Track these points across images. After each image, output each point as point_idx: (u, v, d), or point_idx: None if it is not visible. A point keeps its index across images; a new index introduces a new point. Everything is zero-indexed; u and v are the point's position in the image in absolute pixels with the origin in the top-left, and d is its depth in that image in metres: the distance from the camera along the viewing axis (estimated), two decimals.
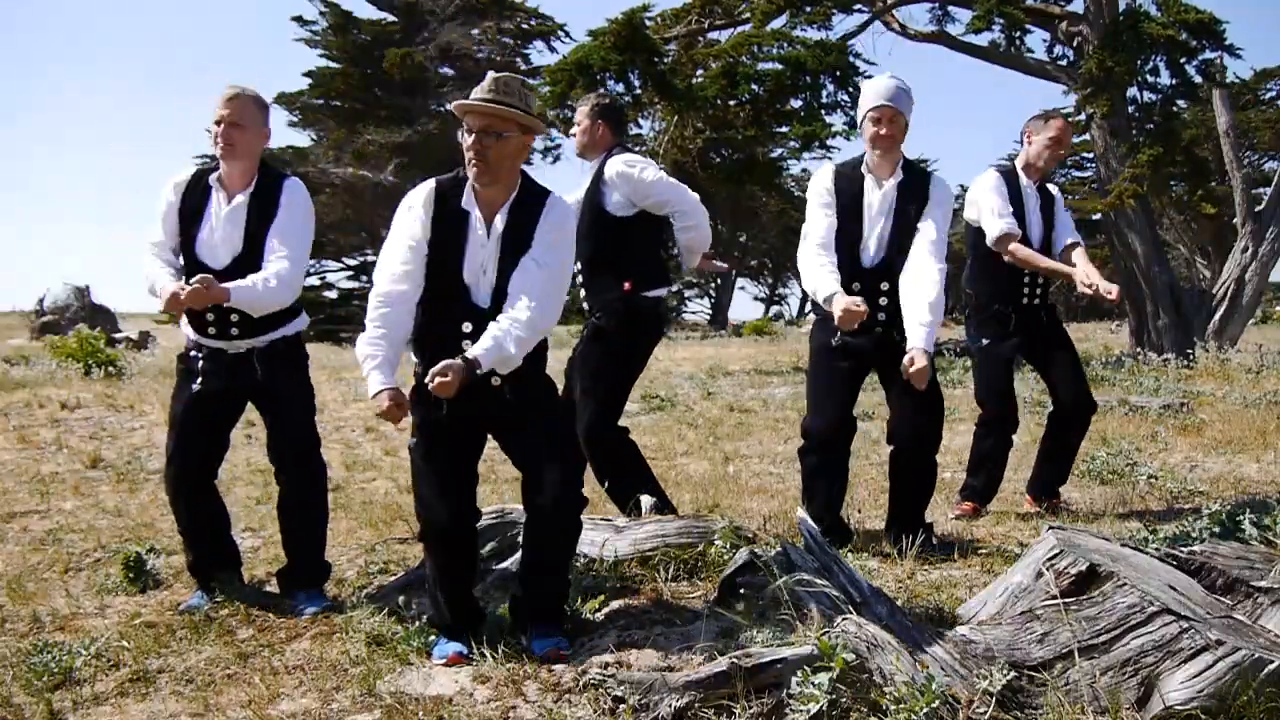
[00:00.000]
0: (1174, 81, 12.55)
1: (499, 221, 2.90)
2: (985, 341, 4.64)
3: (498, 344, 2.76)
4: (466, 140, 2.85)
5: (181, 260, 3.48)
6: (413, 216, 2.93)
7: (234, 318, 3.45)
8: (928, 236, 3.78)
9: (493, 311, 2.88)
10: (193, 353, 3.53)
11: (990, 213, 4.49)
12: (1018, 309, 4.59)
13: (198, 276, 3.27)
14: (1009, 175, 4.62)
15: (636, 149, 5.06)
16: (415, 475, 2.98)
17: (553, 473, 2.89)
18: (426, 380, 2.72)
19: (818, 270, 3.76)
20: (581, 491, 2.97)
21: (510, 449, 3.05)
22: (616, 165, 4.03)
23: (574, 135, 4.26)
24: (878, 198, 3.83)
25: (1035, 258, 4.47)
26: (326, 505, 3.72)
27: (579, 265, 4.09)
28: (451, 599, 3.00)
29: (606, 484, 4.11)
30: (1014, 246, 4.45)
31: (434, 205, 2.93)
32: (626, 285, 4.03)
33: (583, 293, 4.18)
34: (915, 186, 3.85)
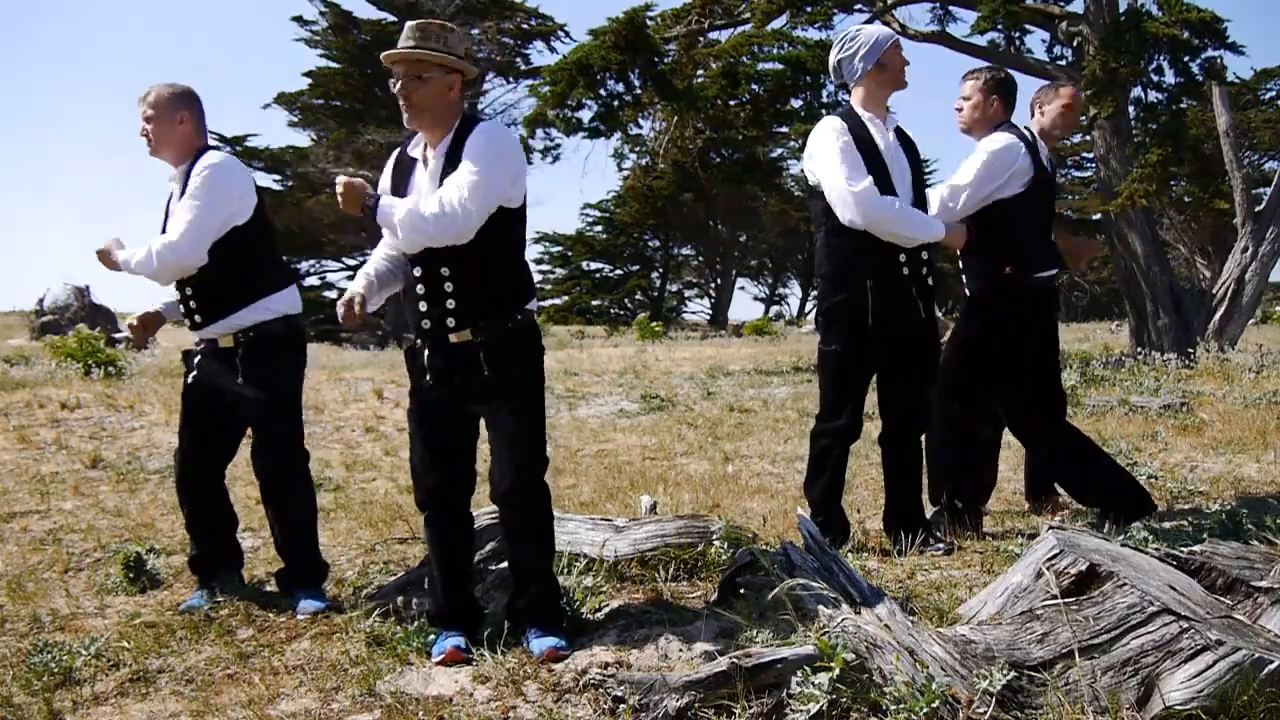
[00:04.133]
0: (1178, 81, 12.54)
1: (434, 160, 2.97)
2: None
3: (403, 209, 2.86)
4: (395, 87, 2.96)
5: None
6: (384, 174, 3.15)
7: (192, 304, 3.53)
8: (939, 189, 4.04)
9: (431, 249, 2.91)
10: (191, 346, 3.65)
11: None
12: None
13: (110, 243, 3.59)
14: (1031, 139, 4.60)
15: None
16: (410, 444, 3.10)
17: (506, 467, 2.93)
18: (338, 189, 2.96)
19: (908, 212, 3.71)
20: (536, 485, 2.96)
21: (487, 429, 3.06)
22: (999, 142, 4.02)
23: (957, 109, 4.19)
24: (888, 142, 3.82)
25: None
26: (310, 504, 3.67)
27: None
28: (448, 584, 3.03)
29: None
30: None
31: (393, 161, 3.12)
32: (1009, 269, 3.99)
33: (963, 278, 4.15)
34: (900, 130, 3.94)
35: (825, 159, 3.75)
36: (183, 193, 3.48)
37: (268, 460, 3.56)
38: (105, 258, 3.59)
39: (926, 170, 4.04)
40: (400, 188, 3.04)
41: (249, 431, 3.69)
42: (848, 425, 3.91)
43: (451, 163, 2.91)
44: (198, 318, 3.54)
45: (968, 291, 4.14)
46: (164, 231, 3.51)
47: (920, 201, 3.87)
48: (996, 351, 4.07)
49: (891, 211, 3.68)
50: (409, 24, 3.00)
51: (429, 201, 2.85)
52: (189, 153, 3.53)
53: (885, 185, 3.73)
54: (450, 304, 2.91)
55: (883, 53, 3.80)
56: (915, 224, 3.73)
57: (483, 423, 3.07)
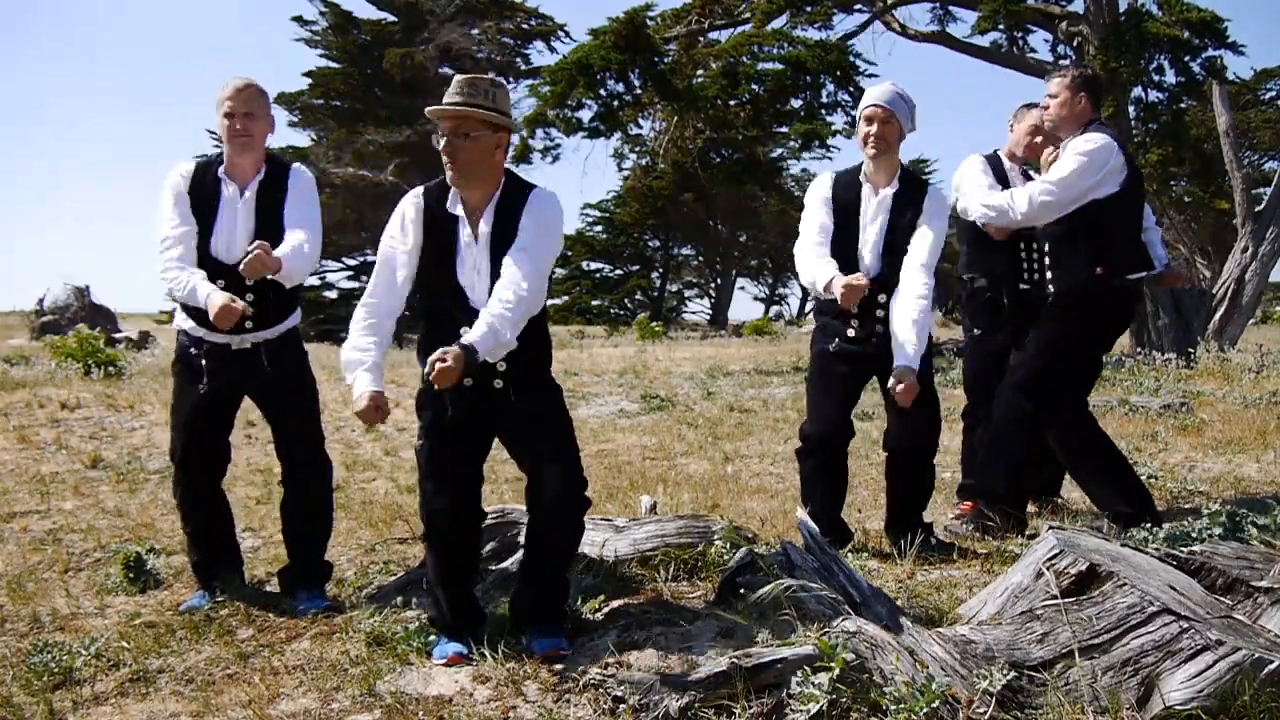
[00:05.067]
0: (1178, 80, 12.55)
1: (484, 224, 2.92)
2: (976, 331, 4.63)
3: (491, 329, 2.74)
4: (440, 144, 2.87)
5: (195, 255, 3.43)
6: (403, 227, 2.98)
7: (262, 309, 3.45)
8: (920, 249, 3.72)
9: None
10: (192, 350, 3.50)
11: (972, 190, 4.36)
12: (1013, 293, 4.52)
13: (255, 245, 3.27)
14: (992, 159, 4.57)
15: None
16: (420, 474, 3.01)
17: (555, 473, 2.92)
18: (426, 370, 2.70)
19: (814, 261, 3.75)
20: (584, 493, 2.99)
21: (514, 450, 3.07)
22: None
23: (1044, 108, 4.13)
24: (873, 205, 3.80)
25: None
26: (332, 504, 3.74)
27: (1047, 244, 4.08)
28: (452, 598, 3.01)
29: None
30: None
31: (423, 214, 2.97)
32: (1099, 270, 3.92)
33: (1048, 275, 4.08)
34: (911, 196, 3.79)
35: (806, 213, 3.91)
36: (271, 201, 3.45)
37: (302, 456, 3.60)
38: (262, 263, 3.26)
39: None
40: (439, 250, 2.94)
41: (269, 431, 3.72)
42: (817, 434, 3.88)
43: (503, 231, 2.89)
44: (249, 323, 3.43)
45: (1053, 292, 4.08)
46: (256, 236, 3.38)
47: (892, 264, 3.76)
48: (1077, 349, 4.04)
49: (805, 268, 3.79)
50: (458, 78, 2.91)
51: (503, 295, 2.78)
52: (262, 156, 3.51)
53: (850, 244, 3.78)
54: (501, 366, 2.90)
55: (859, 116, 3.86)
56: (810, 272, 3.76)
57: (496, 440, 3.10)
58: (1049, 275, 4.10)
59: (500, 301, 2.78)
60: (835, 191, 3.85)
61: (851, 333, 3.78)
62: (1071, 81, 4.04)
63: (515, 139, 3.24)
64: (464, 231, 2.93)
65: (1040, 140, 4.46)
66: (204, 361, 3.47)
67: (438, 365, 2.63)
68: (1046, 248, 4.11)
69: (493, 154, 2.90)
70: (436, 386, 2.68)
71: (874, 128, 3.76)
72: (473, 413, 2.93)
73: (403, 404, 8.74)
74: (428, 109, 2.94)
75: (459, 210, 2.94)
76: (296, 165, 3.62)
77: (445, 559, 3.00)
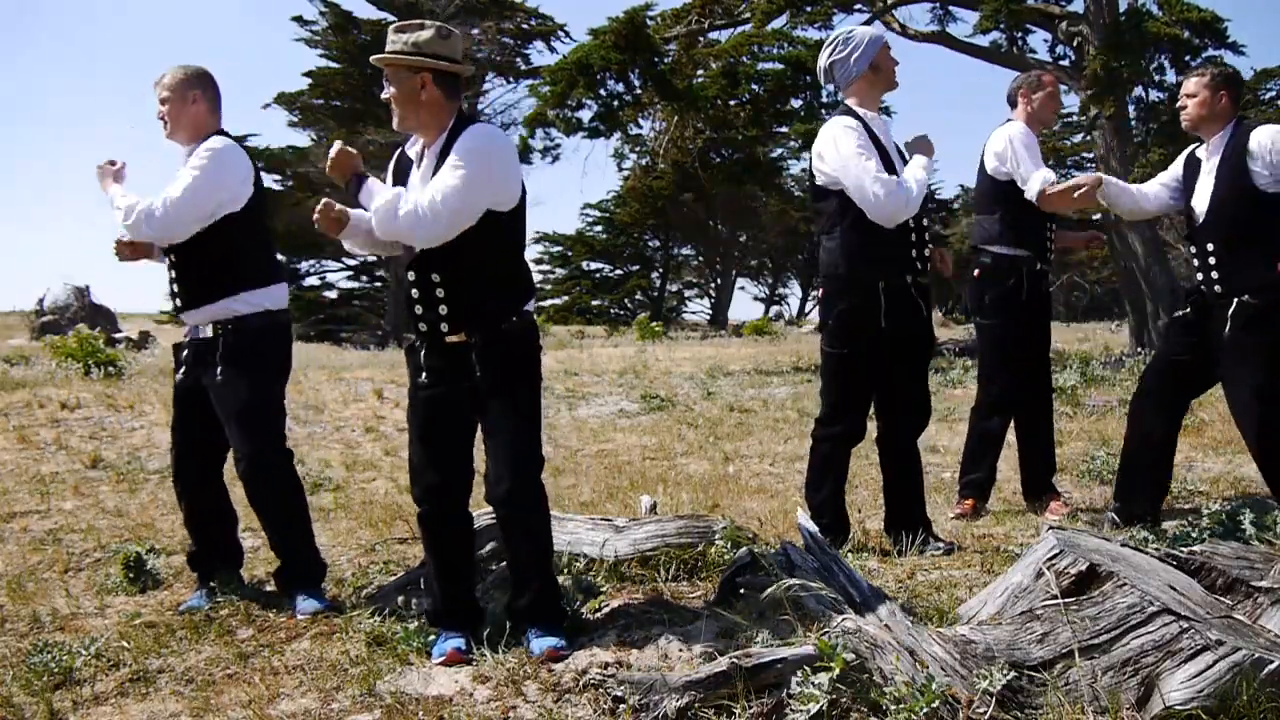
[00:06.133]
0: (1179, 80, 12.56)
1: (427, 160, 2.96)
2: (998, 320, 4.56)
3: (380, 205, 2.85)
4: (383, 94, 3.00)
5: None
6: (386, 175, 3.16)
7: (175, 286, 3.54)
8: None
9: (421, 251, 2.90)
10: (182, 339, 3.64)
11: (1031, 164, 4.35)
12: (1031, 273, 4.52)
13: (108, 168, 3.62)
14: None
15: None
16: (409, 438, 3.09)
17: (502, 469, 2.92)
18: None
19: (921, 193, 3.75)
20: (532, 487, 2.95)
21: (483, 430, 3.06)
22: (1269, 135, 3.81)
23: (1181, 108, 4.05)
24: (888, 138, 3.87)
25: (1066, 195, 4.31)
26: (295, 503, 3.61)
27: (1210, 245, 3.95)
28: (445, 583, 3.02)
29: None
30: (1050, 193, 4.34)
31: (394, 161, 3.13)
32: None
33: (1214, 274, 3.96)
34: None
35: (847, 156, 3.69)
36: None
37: (246, 460, 3.48)
38: (101, 178, 3.61)
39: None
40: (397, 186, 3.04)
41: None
42: (853, 430, 3.90)
43: (442, 164, 2.89)
44: (178, 301, 3.56)
45: (1224, 293, 3.94)
46: None
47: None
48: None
49: (917, 197, 3.73)
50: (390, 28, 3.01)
51: (406, 199, 2.84)
52: (201, 135, 3.54)
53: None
54: (443, 309, 2.90)
55: (875, 55, 3.82)
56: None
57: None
58: (1214, 275, 3.97)
59: (404, 201, 2.83)
60: (871, 134, 3.79)
61: (919, 265, 3.84)
62: (1211, 80, 3.96)
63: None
64: (413, 171, 3.02)
65: (1056, 105, 4.66)
66: (183, 352, 3.60)
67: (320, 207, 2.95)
68: (1210, 248, 3.98)
69: (417, 94, 2.89)
70: (329, 168, 3.01)
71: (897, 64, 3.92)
72: (441, 379, 2.95)
73: (402, 404, 8.74)
74: (374, 58, 3.01)
75: (414, 151, 3.04)
76: (212, 139, 3.52)
77: (438, 538, 3.03)
